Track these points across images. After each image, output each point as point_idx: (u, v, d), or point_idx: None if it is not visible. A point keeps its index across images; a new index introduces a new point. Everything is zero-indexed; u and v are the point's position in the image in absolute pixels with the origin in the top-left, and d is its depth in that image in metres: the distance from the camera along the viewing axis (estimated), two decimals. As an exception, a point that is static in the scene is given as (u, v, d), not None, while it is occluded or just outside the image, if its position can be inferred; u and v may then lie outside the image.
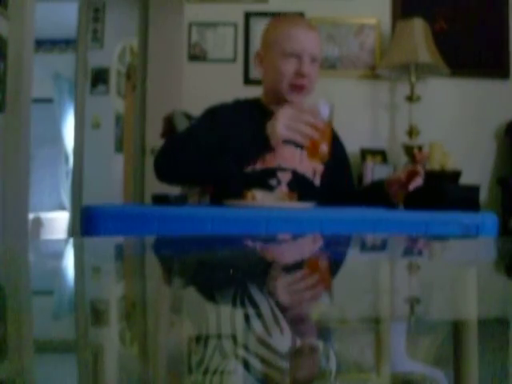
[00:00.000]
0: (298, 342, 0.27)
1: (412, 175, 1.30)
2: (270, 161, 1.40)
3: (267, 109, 1.47)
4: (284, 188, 1.39)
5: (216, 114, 1.44)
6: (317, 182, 1.46)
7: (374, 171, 2.82)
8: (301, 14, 3.17)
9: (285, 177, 1.40)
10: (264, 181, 1.37)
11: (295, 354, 0.25)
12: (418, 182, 1.30)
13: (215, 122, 1.41)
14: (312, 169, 1.46)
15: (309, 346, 0.26)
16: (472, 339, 0.29)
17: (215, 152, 1.26)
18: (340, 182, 1.54)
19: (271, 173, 1.39)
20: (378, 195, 1.39)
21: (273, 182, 1.39)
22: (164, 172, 1.33)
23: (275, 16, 1.60)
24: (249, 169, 1.38)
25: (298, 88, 1.41)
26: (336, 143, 1.59)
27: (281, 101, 1.43)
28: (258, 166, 1.39)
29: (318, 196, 1.42)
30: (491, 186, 3.17)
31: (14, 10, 2.45)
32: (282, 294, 0.42)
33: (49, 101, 5.63)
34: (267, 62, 1.46)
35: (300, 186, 1.39)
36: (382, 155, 3.07)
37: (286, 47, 1.39)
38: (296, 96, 1.43)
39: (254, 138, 1.27)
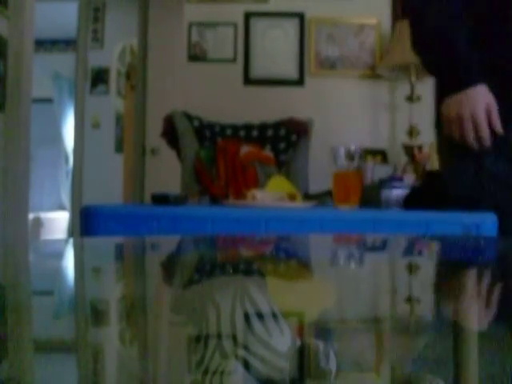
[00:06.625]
0: (298, 342, 0.27)
1: None
2: None
3: None
4: None
5: None
6: None
7: (374, 171, 2.81)
8: (301, 14, 3.17)
9: None
10: None
11: (294, 353, 0.25)
12: None
13: None
14: None
15: (308, 345, 0.26)
16: (472, 339, 0.29)
17: None
18: None
19: None
20: None
21: None
22: None
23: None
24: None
25: None
26: None
27: None
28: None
29: None
30: (491, 186, 3.16)
31: (14, 10, 2.45)
32: (282, 294, 0.42)
33: (49, 101, 5.64)
34: None
35: None
36: (382, 155, 3.07)
37: None
38: None
39: None
